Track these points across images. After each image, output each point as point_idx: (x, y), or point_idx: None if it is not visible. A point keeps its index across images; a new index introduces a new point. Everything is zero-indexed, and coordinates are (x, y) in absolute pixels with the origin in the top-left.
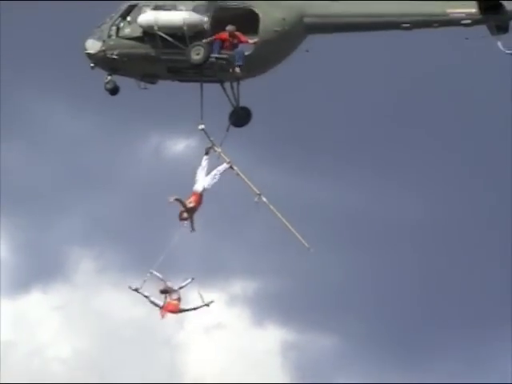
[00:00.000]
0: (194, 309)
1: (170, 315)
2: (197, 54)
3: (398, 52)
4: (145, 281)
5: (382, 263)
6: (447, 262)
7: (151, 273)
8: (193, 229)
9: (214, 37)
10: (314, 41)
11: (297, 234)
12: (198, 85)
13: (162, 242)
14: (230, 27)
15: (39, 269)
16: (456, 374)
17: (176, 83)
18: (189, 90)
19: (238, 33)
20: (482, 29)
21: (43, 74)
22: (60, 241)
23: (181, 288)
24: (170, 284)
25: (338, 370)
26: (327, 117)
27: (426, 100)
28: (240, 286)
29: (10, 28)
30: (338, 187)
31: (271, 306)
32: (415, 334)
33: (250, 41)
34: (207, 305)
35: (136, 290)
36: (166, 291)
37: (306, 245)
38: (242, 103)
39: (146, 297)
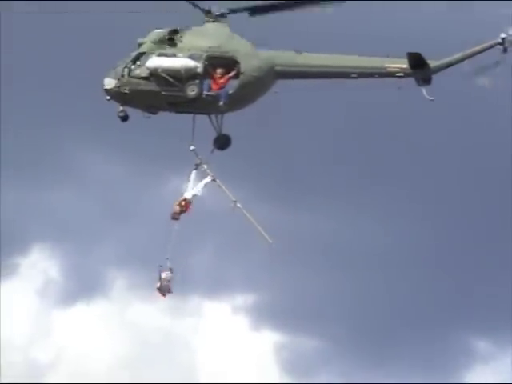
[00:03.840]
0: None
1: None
2: (192, 91)
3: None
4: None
5: (355, 279)
6: (408, 277)
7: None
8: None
9: (205, 78)
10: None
11: (262, 231)
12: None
13: (180, 264)
14: (219, 70)
15: (83, 286)
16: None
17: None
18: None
19: (224, 75)
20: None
21: (85, 133)
22: (99, 263)
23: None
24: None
25: (321, 365)
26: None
27: (379, 138)
28: (241, 299)
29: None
30: (316, 217)
31: (266, 315)
32: (383, 337)
33: (232, 73)
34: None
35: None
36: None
37: (269, 240)
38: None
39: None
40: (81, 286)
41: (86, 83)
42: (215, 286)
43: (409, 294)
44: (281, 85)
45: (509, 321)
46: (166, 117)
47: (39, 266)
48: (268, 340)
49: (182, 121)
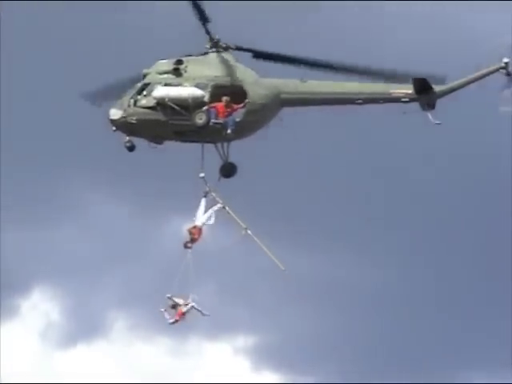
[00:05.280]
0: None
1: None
2: (200, 119)
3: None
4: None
5: (355, 321)
6: (408, 319)
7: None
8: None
9: (213, 105)
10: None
11: (274, 258)
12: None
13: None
14: (225, 98)
15: (84, 327)
16: None
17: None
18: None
19: (231, 103)
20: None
21: (89, 173)
22: (100, 304)
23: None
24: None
25: None
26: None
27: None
28: (242, 340)
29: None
30: (316, 261)
31: (267, 355)
32: (386, 379)
33: (241, 105)
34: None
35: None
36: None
37: (282, 267)
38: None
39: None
40: (81, 327)
41: (88, 121)
42: (216, 327)
43: (410, 336)
44: (286, 112)
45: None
46: (168, 155)
47: (40, 307)
48: (269, 381)
49: (185, 159)
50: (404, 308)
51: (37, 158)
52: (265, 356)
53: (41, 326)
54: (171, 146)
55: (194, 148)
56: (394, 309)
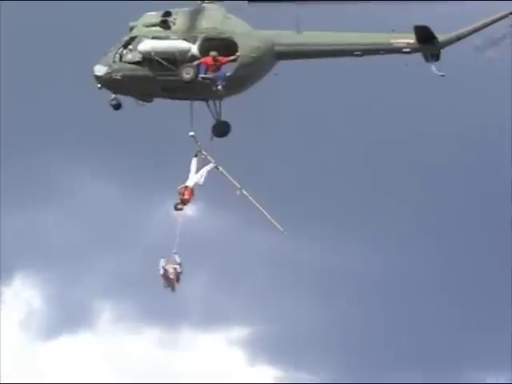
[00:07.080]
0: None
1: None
2: (187, 74)
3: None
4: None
5: (354, 312)
6: (411, 311)
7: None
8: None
9: (199, 60)
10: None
11: (272, 219)
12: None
13: (170, 295)
14: (212, 53)
15: (68, 317)
16: None
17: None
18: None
19: (219, 57)
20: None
21: (75, 152)
22: (84, 293)
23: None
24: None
25: None
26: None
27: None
28: (236, 331)
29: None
30: (315, 247)
31: (262, 348)
32: (383, 372)
33: (230, 58)
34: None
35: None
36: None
37: (281, 229)
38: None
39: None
40: (65, 316)
41: (73, 100)
42: (210, 318)
43: (413, 329)
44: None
45: None
46: (156, 132)
47: (22, 295)
48: (265, 374)
49: (174, 138)
50: (413, 299)
51: (18, 137)
52: (260, 348)
53: (23, 314)
54: (159, 111)
55: (183, 111)
56: (395, 299)
